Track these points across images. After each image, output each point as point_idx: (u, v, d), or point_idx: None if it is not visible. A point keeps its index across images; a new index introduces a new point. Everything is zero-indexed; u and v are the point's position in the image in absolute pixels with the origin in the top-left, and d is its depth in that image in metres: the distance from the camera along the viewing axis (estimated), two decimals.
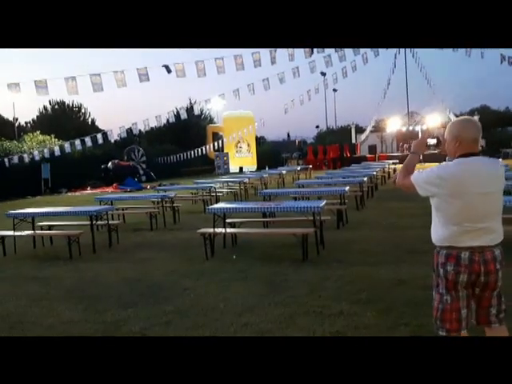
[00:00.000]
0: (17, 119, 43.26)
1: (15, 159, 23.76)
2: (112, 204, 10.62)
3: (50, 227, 8.57)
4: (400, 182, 2.77)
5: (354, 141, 41.40)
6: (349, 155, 37.02)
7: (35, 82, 12.99)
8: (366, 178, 12.36)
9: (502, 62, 19.64)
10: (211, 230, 6.81)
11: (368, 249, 6.88)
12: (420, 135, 19.98)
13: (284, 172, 19.98)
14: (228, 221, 7.49)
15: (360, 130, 44.04)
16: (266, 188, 16.61)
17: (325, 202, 6.98)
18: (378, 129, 40.37)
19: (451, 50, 18.71)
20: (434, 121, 37.81)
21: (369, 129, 39.40)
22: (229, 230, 7.05)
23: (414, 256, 6.26)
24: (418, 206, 11.42)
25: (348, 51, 18.47)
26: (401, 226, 8.71)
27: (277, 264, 6.20)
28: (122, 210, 11.04)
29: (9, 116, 41.02)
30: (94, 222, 7.80)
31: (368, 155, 37.56)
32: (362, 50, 18.79)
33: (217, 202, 12.77)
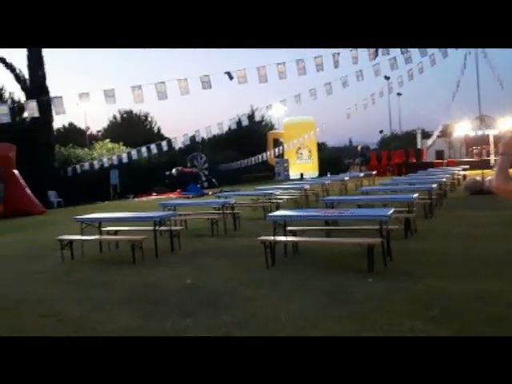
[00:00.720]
0: (88, 128, 45.77)
1: (86, 166, 24.99)
2: (175, 210, 10.77)
3: (115, 232, 8.79)
4: (501, 187, 2.37)
5: (419, 146, 39.88)
6: (414, 161, 35.65)
7: (104, 91, 13.53)
8: (435, 185, 11.70)
9: None
10: (272, 238, 6.65)
11: (439, 261, 6.41)
12: (490, 139, 18.76)
13: (347, 178, 19.46)
14: (289, 229, 7.30)
15: (426, 134, 42.36)
16: (327, 195, 16.26)
17: (393, 210, 6.60)
18: (445, 133, 38.58)
19: None
20: (506, 124, 35.60)
21: (436, 133, 37.72)
22: (290, 239, 6.85)
23: (490, 269, 5.75)
24: (491, 214, 10.69)
25: (414, 53, 17.76)
26: (473, 235, 8.09)
27: (341, 275, 5.92)
28: (185, 215, 11.16)
29: (81, 125, 43.40)
30: (157, 228, 7.89)
31: (435, 161, 36.00)
32: (430, 51, 17.96)
33: (277, 209, 12.63)
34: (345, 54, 15.46)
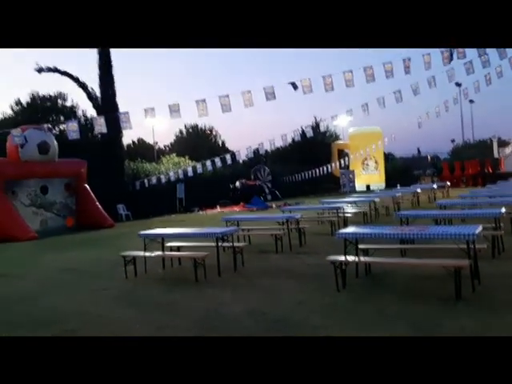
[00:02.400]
0: (156, 143, 47.19)
1: (153, 180, 25.54)
2: (238, 224, 10.45)
3: (178, 248, 8.58)
4: None
5: (496, 155, 37.31)
6: (491, 171, 33.32)
7: (169, 106, 13.59)
8: None
9: None
10: (343, 258, 6.07)
11: None
12: None
13: (419, 190, 18.31)
14: (361, 247, 6.69)
15: (503, 143, 39.59)
16: (398, 208, 15.31)
17: (481, 227, 5.81)
18: None
19: None
20: None
21: None
22: (363, 259, 6.24)
23: None
24: None
25: (492, 55, 16.41)
26: None
27: (423, 302, 5.23)
28: (248, 231, 10.81)
29: (150, 140, 44.78)
30: (219, 244, 7.57)
31: None
32: (509, 53, 16.53)
33: (345, 223, 11.96)
34: (416, 58, 14.57)
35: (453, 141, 58.77)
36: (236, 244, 8.26)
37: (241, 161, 28.63)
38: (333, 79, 13.88)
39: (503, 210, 7.86)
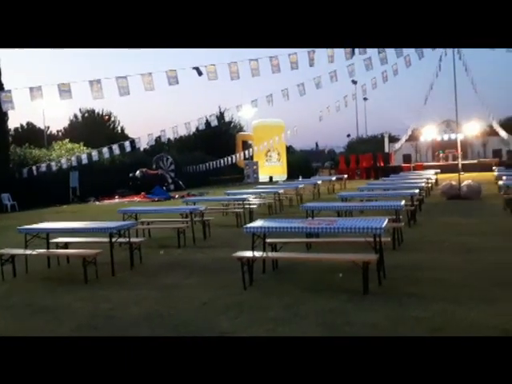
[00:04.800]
0: (48, 127, 43.54)
1: (43, 167, 23.37)
2: (136, 217, 9.67)
3: (66, 244, 7.63)
4: None
5: (387, 150, 39.85)
6: (382, 165, 35.48)
7: (58, 85, 12.25)
8: (417, 191, 11.06)
9: None
10: (250, 254, 5.70)
11: (442, 278, 5.62)
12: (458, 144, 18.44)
13: (319, 182, 18.73)
14: (268, 241, 6.37)
15: (393, 138, 42.46)
16: (301, 200, 15.46)
17: (387, 220, 5.78)
18: (411, 138, 38.74)
19: (503, 51, 17.12)
20: (471, 129, 36.05)
21: (405, 137, 37.78)
22: (271, 255, 5.93)
23: (506, 290, 4.99)
24: (477, 221, 10.11)
25: (390, 54, 17.15)
26: (469, 246, 7.39)
27: (332, 297, 5.04)
28: (148, 224, 10.07)
29: (41, 125, 41.15)
30: (114, 240, 6.81)
31: (403, 164, 36.01)
32: (405, 52, 17.43)
33: (250, 215, 11.70)
34: (321, 51, 14.69)
35: (348, 135, 62.00)
36: (133, 239, 7.53)
37: (141, 149, 27.34)
38: (238, 67, 13.51)
39: (403, 202, 8.05)
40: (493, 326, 3.98)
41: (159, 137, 23.84)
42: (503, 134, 34.11)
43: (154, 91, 13.40)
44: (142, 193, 24.90)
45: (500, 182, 12.98)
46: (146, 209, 11.13)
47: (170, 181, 29.78)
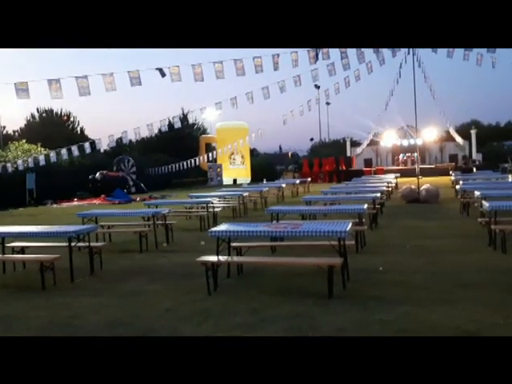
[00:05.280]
0: (4, 127, 41.89)
1: None
2: (96, 221, 9.38)
3: (22, 249, 7.30)
4: None
5: (348, 154, 40.56)
6: (345, 168, 36.07)
7: (15, 84, 11.75)
8: (379, 194, 11.26)
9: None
10: (214, 259, 5.61)
11: (404, 280, 5.71)
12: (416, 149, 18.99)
13: (284, 185, 18.81)
14: (233, 245, 6.31)
15: (354, 143, 43.28)
16: (266, 203, 15.47)
17: (351, 223, 5.83)
18: (372, 142, 39.62)
19: (460, 59, 17.71)
20: (429, 134, 37.18)
21: (366, 142, 38.58)
22: (236, 259, 5.86)
23: (467, 291, 5.13)
24: (436, 224, 10.40)
25: (353, 59, 17.43)
26: (430, 249, 7.56)
27: (298, 302, 5.02)
28: (108, 227, 9.79)
29: None
30: (73, 245, 6.56)
31: (364, 168, 36.71)
32: (367, 58, 17.76)
33: (214, 218, 11.59)
34: (285, 55, 14.75)
35: (312, 139, 62.71)
36: (93, 244, 7.29)
37: (102, 150, 26.66)
38: (203, 69, 13.37)
39: (366, 206, 8.16)
40: (454, 327, 4.06)
41: (120, 138, 23.34)
42: (459, 139, 35.45)
43: (116, 92, 13.10)
44: (102, 195, 24.30)
45: (457, 187, 13.40)
46: (106, 212, 10.83)
47: (131, 183, 29.20)
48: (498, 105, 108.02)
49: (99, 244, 7.66)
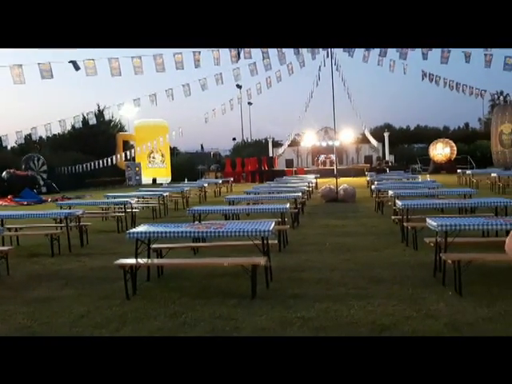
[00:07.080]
0: None
1: None
2: (2, 223, 8.65)
3: None
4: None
5: (271, 154, 41.24)
6: (267, 168, 36.63)
7: None
8: (300, 194, 11.51)
9: (423, 79, 20.07)
10: (133, 261, 5.36)
11: (324, 278, 5.84)
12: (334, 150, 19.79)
13: (206, 185, 18.64)
14: (153, 247, 6.08)
15: (276, 143, 44.10)
16: (187, 203, 15.22)
17: (274, 223, 5.85)
18: (293, 143, 40.64)
19: (375, 64, 18.72)
20: (346, 136, 38.86)
21: (287, 142, 39.47)
22: (156, 261, 5.65)
23: (381, 286, 5.35)
24: (354, 223, 10.83)
25: (274, 60, 17.71)
26: (347, 247, 7.83)
27: (220, 303, 4.93)
28: (16, 230, 9.06)
29: None
30: None
31: (286, 169, 37.51)
32: (288, 60, 18.17)
33: (133, 219, 11.16)
34: (206, 53, 14.64)
35: (234, 139, 62.89)
36: None
37: (9, 147, 24.79)
38: (120, 63, 12.86)
39: (288, 205, 8.28)
40: (371, 322, 4.20)
41: (29, 135, 21.84)
42: (373, 141, 37.45)
43: (25, 85, 12.21)
44: (9, 196, 22.57)
45: (372, 187, 14.07)
46: (13, 213, 10.01)
47: (41, 183, 27.42)
48: (408, 110, 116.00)
49: (6, 248, 7.04)
